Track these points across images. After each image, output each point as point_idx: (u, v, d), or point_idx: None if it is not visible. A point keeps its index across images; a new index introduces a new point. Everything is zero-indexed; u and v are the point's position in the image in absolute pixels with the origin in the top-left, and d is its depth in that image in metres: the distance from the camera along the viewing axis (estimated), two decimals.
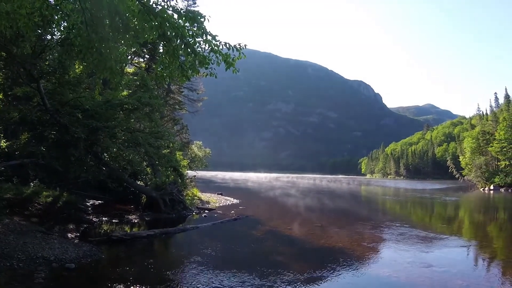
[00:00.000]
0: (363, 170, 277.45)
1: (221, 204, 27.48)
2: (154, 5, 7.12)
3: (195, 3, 33.09)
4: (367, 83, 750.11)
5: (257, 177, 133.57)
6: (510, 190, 72.49)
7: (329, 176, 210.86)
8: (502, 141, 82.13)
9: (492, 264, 12.55)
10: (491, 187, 76.16)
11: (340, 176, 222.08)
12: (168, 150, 22.20)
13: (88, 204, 19.15)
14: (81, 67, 15.85)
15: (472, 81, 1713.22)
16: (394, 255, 13.02)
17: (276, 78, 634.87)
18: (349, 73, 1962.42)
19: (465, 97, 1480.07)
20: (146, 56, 29.22)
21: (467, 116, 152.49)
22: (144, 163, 21.21)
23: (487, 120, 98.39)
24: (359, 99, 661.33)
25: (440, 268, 11.11)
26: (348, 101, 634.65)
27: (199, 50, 7.41)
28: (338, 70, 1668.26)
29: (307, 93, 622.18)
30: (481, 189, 77.14)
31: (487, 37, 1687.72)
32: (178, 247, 14.39)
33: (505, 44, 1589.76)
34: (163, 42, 7.51)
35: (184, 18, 7.09)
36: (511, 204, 43.38)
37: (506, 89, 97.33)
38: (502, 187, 75.97)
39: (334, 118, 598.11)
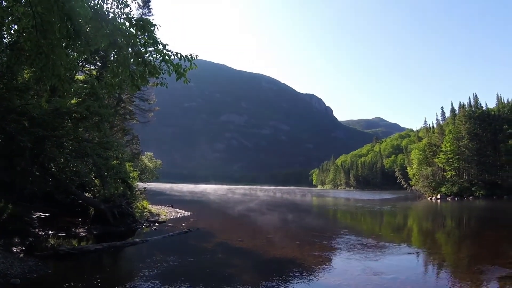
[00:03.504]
0: (314, 181, 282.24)
1: (171, 217, 27.05)
2: (106, 12, 6.99)
3: (150, 12, 32.67)
4: (319, 97, 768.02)
5: (209, 189, 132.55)
6: (456, 198, 76.51)
7: (283, 187, 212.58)
8: (448, 153, 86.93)
9: (441, 270, 13.17)
10: (438, 196, 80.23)
11: (294, 187, 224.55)
12: (117, 161, 21.60)
13: (34, 216, 18.31)
14: (30, 72, 15.22)
15: (420, 95, 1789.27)
16: (344, 264, 13.33)
17: (229, 90, 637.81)
18: (301, 87, 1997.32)
19: (413, 111, 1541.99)
20: (98, 63, 28.46)
21: (415, 129, 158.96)
22: (92, 174, 20.53)
23: (434, 133, 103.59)
24: (311, 112, 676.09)
25: (389, 276, 11.46)
26: (300, 114, 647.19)
27: (150, 60, 7.34)
28: (290, 83, 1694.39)
29: (260, 105, 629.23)
30: (429, 198, 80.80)
31: (433, 53, 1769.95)
32: (127, 261, 14.04)
33: (450, 60, 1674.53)
34: (114, 50, 7.38)
35: (135, 27, 7.01)
36: (457, 212, 45.59)
37: (452, 103, 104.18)
38: (448, 196, 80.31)
39: (286, 130, 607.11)
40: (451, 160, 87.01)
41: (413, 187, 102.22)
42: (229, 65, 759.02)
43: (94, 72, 27.77)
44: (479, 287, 10.56)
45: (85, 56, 10.13)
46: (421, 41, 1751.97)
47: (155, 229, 20.76)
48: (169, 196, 63.13)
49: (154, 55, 7.26)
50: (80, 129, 18.02)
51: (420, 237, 22.79)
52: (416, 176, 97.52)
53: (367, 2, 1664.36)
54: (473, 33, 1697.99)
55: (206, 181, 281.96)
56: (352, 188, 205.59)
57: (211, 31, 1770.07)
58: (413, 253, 16.39)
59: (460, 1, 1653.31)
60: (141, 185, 32.03)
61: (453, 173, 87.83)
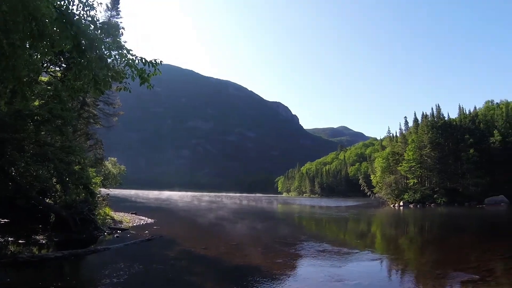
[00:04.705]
0: (279, 188, 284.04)
1: (134, 224, 26.57)
2: (72, 13, 6.84)
3: (118, 14, 32.11)
4: (285, 105, 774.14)
5: (174, 195, 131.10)
6: (418, 205, 78.78)
7: (249, 194, 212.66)
8: (411, 161, 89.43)
9: (403, 276, 13.49)
10: (401, 203, 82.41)
11: (260, 194, 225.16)
12: (79, 166, 21.08)
13: None
14: None
15: (384, 105, 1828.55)
16: (308, 271, 13.47)
17: (196, 96, 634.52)
18: (268, 95, 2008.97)
19: (377, 120, 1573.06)
20: (63, 65, 27.72)
21: (379, 138, 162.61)
22: (54, 179, 19.96)
23: (397, 142, 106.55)
24: (277, 120, 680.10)
25: (352, 282, 11.66)
26: (267, 122, 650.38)
27: (113, 64, 7.23)
28: (257, 91, 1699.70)
29: (226, 112, 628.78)
30: (392, 206, 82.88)
31: (397, 64, 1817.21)
32: (88, 269, 13.70)
33: (414, 72, 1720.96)
34: (78, 53, 7.22)
35: (100, 30, 6.89)
36: (420, 218, 46.92)
37: (415, 113, 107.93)
38: (411, 203, 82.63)
39: (252, 137, 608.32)
40: (413, 168, 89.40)
41: (376, 195, 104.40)
42: (196, 71, 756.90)
43: (59, 74, 27.04)
44: None
45: (49, 57, 9.86)
46: (385, 52, 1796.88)
47: (117, 236, 20.33)
48: (133, 203, 62.11)
49: (118, 59, 7.16)
50: (42, 133, 17.57)
51: (383, 243, 23.26)
52: (380, 184, 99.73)
53: (330, 11, 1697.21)
54: (437, 44, 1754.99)
55: (171, 187, 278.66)
56: (317, 195, 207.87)
57: (180, 37, 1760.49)
58: (376, 259, 16.70)
59: (426, 12, 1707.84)
60: (104, 191, 31.35)
61: (416, 181, 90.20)
